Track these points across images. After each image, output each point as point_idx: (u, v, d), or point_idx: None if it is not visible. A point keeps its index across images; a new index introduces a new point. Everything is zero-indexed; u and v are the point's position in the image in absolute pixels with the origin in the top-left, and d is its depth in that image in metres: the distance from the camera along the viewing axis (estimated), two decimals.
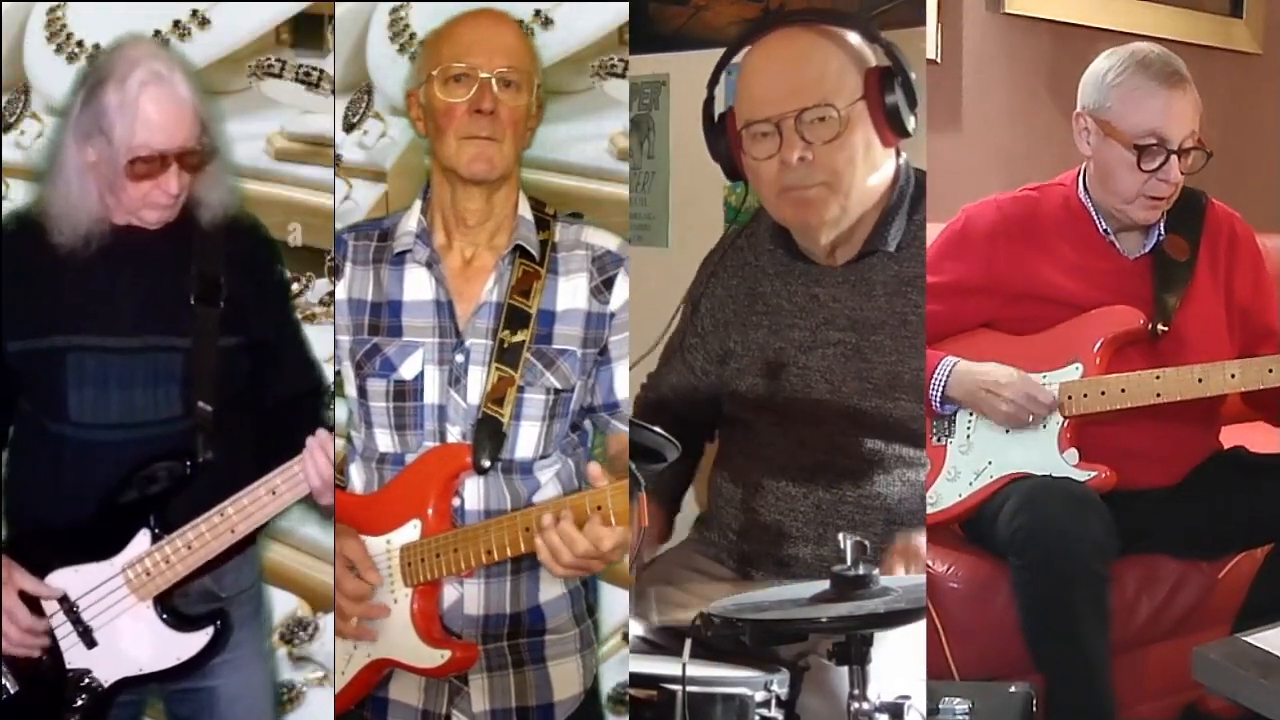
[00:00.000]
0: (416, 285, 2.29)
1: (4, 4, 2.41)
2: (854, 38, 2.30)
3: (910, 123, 2.29)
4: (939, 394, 2.83)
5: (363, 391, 2.29)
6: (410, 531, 2.25)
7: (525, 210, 2.30)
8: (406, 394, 2.27)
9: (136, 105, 2.20)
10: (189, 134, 2.23)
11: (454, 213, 2.28)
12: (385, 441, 2.29)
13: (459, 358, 2.26)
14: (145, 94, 2.20)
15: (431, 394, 2.26)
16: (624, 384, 2.32)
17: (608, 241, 2.32)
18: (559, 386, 2.26)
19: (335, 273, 2.33)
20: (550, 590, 2.29)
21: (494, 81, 2.20)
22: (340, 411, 2.41)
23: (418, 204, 2.32)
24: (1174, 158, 2.77)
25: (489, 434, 2.23)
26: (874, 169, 2.32)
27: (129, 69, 2.21)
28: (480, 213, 2.27)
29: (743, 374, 2.45)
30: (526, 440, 2.26)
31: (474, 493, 2.25)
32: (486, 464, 2.22)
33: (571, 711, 2.32)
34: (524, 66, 2.24)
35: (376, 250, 2.33)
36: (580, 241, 2.31)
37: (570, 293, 2.28)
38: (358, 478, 2.33)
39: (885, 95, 2.27)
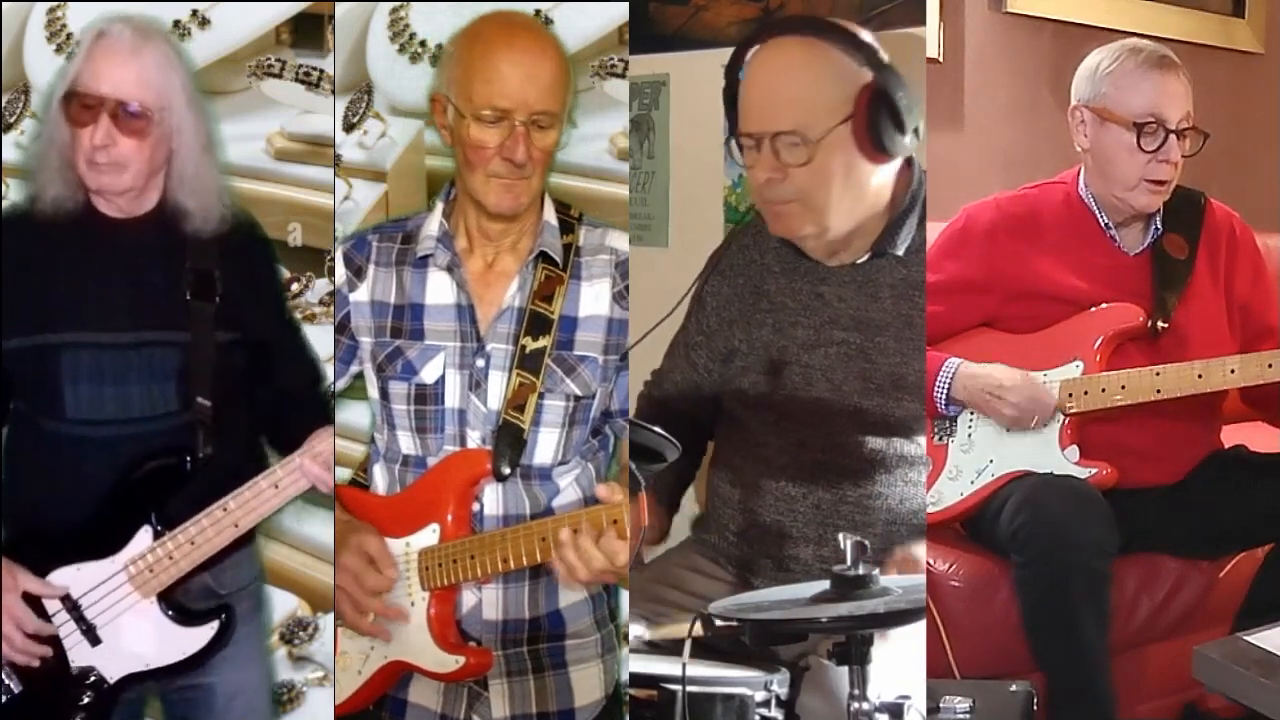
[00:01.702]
0: (438, 289, 2.27)
1: (4, 4, 2.41)
2: (847, 57, 2.26)
3: (899, 143, 2.26)
4: (943, 395, 2.83)
5: (385, 394, 2.28)
6: (429, 536, 2.24)
7: (550, 215, 2.27)
8: (427, 397, 2.25)
9: (89, 49, 2.20)
10: (135, 93, 2.20)
11: (478, 229, 2.26)
12: (407, 444, 2.28)
13: (479, 362, 2.24)
14: (101, 41, 2.21)
15: (452, 398, 2.25)
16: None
17: None
18: (579, 393, 2.25)
19: (359, 274, 2.30)
20: (571, 595, 2.28)
21: (529, 127, 2.16)
22: (345, 413, 2.41)
23: (440, 206, 2.29)
24: (1173, 138, 2.78)
25: (509, 441, 2.21)
26: (859, 187, 2.29)
27: (108, 23, 2.23)
28: (504, 230, 2.26)
29: (746, 372, 2.45)
30: (546, 446, 2.25)
31: (493, 498, 2.24)
32: (506, 471, 2.21)
33: (593, 717, 2.30)
34: (558, 105, 2.19)
35: (399, 253, 2.30)
36: (604, 246, 2.28)
37: (593, 298, 2.26)
38: (381, 479, 2.32)
39: (872, 117, 2.24)
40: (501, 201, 2.20)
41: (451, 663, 2.23)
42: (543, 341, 2.22)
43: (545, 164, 2.22)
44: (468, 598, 2.26)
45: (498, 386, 2.23)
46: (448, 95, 2.21)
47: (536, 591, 2.26)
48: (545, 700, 2.27)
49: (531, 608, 2.26)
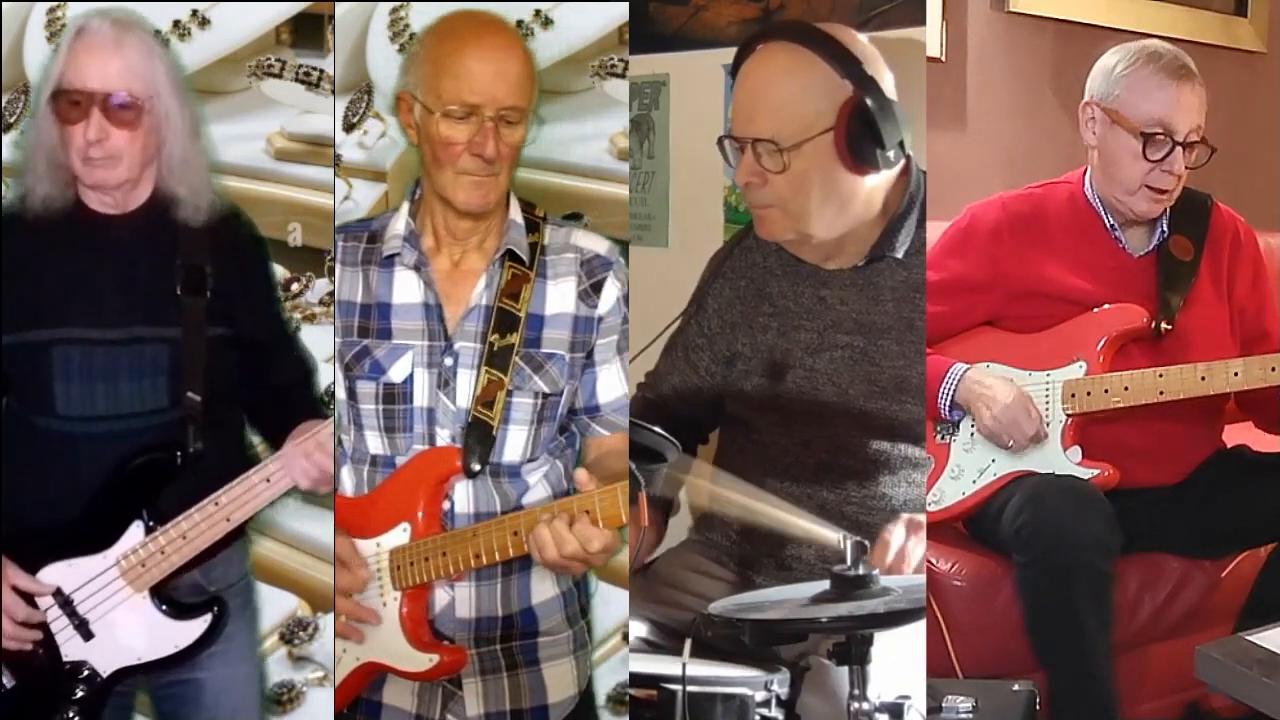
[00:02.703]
0: (405, 288, 2.28)
1: (4, 4, 2.41)
2: (831, 70, 2.25)
3: (881, 157, 2.26)
4: (947, 402, 2.83)
5: (352, 394, 2.29)
6: (400, 535, 2.24)
7: (516, 214, 2.28)
8: (396, 397, 2.26)
9: (70, 46, 2.21)
10: (123, 84, 2.20)
11: (445, 228, 2.27)
12: (375, 444, 2.28)
13: (448, 361, 2.25)
14: (81, 37, 2.21)
15: (421, 397, 2.25)
16: (607, 387, 2.31)
17: (597, 245, 2.30)
18: (547, 390, 2.26)
19: (334, 273, 2.33)
20: (542, 592, 2.29)
21: (498, 123, 2.17)
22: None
23: (405, 205, 2.30)
24: (1179, 150, 2.78)
25: (479, 438, 2.22)
26: (843, 196, 2.29)
27: (85, 19, 2.23)
28: (472, 229, 2.27)
29: (749, 375, 2.44)
30: (515, 444, 2.26)
31: (463, 496, 2.25)
32: (476, 467, 2.22)
33: (566, 713, 2.31)
34: (526, 101, 2.21)
35: (365, 252, 2.31)
36: (569, 244, 2.29)
37: (559, 296, 2.27)
38: (348, 480, 2.32)
39: (853, 131, 2.24)
40: (471, 198, 2.21)
41: (425, 661, 2.23)
42: (510, 339, 2.23)
43: (513, 161, 2.23)
44: (440, 596, 2.26)
45: (466, 384, 2.24)
46: (414, 93, 2.22)
47: (509, 589, 2.26)
48: (519, 698, 2.28)
49: (504, 605, 2.27)
